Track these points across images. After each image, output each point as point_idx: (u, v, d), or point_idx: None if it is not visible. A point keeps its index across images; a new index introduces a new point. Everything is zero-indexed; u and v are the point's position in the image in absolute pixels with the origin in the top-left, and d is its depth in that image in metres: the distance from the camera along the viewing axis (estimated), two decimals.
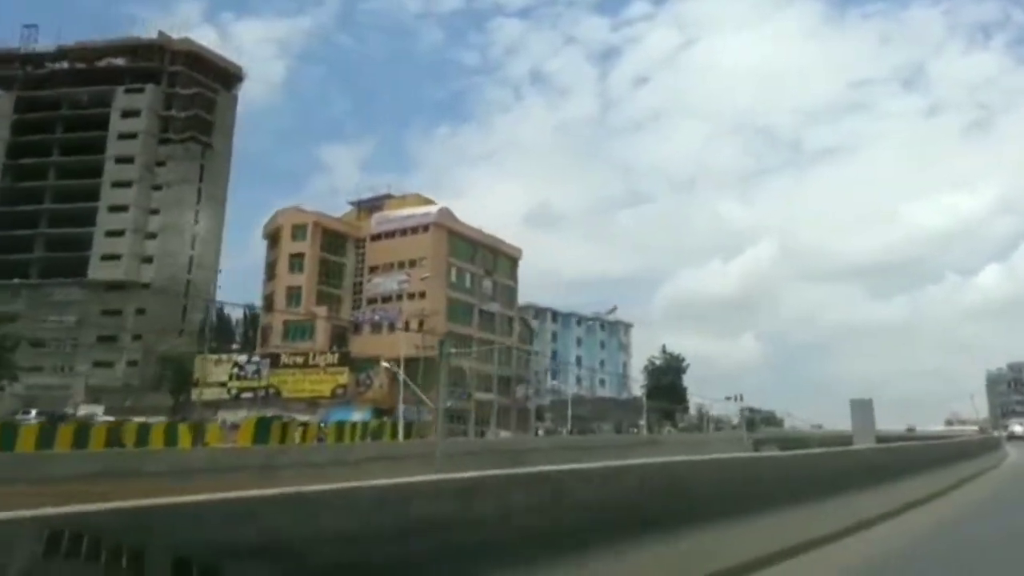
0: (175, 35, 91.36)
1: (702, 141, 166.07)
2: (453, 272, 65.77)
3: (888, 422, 68.10)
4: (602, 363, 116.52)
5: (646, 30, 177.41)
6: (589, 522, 3.89)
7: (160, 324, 74.11)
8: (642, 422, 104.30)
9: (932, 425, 78.60)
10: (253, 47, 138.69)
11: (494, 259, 71.04)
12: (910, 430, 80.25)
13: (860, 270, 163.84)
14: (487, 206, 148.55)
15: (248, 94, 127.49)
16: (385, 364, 52.74)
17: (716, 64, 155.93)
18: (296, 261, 62.89)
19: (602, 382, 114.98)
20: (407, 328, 59.75)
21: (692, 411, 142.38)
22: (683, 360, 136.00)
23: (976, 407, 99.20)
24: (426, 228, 63.58)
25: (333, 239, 65.13)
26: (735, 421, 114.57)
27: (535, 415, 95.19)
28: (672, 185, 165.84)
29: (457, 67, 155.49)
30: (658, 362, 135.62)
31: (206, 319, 72.91)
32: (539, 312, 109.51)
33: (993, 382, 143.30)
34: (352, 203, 69.90)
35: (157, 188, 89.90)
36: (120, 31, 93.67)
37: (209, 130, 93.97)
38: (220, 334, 73.45)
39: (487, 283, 69.15)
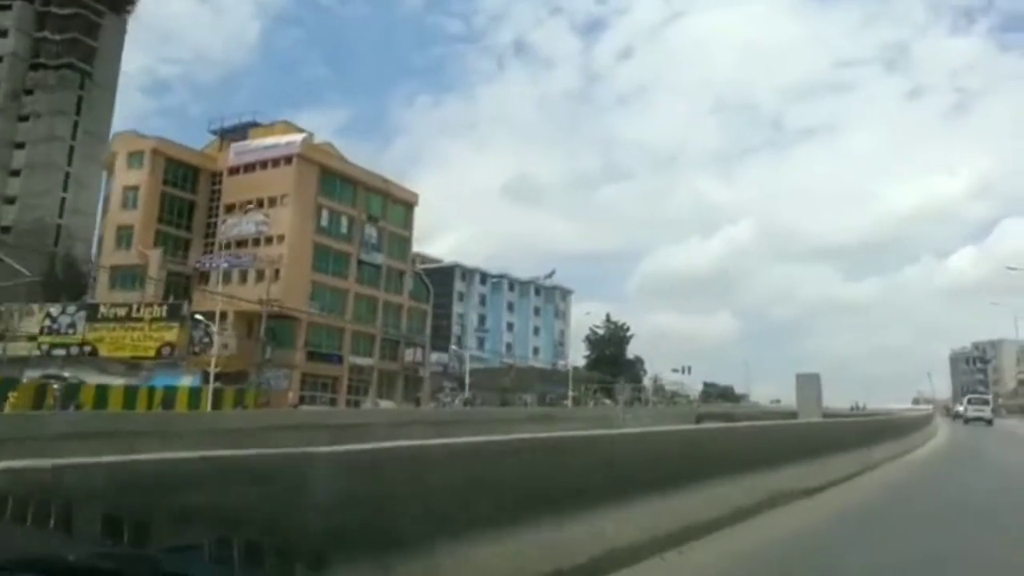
0: None
1: (684, 117, 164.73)
2: (324, 214, 56.12)
3: (855, 399, 72.09)
4: (536, 330, 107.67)
5: (632, 2, 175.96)
6: None
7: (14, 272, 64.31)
8: (571, 394, 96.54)
9: (897, 404, 75.34)
10: (231, 5, 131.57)
11: (383, 203, 61.47)
12: (855, 408, 77.96)
13: (838, 250, 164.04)
14: (468, 178, 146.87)
15: (226, 54, 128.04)
16: (212, 324, 43.53)
17: (701, 40, 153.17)
18: (131, 194, 53.11)
19: (536, 351, 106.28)
20: (262, 277, 50.43)
21: (648, 384, 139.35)
22: (627, 329, 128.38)
23: (933, 386, 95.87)
24: (289, 160, 53.76)
25: (181, 171, 55.17)
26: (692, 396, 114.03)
27: (462, 385, 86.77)
28: (654, 161, 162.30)
29: (440, 34, 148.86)
30: (600, 331, 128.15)
31: (52, 266, 63.07)
32: (467, 273, 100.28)
33: (956, 360, 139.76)
34: (213, 131, 59.58)
35: (24, 119, 79.52)
36: None
37: (90, 57, 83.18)
38: (70, 285, 63.23)
39: (371, 230, 59.66)
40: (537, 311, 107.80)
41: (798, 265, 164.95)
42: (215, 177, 56.58)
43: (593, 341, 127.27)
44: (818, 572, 5.06)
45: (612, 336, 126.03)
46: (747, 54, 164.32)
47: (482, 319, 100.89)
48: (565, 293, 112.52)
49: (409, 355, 63.76)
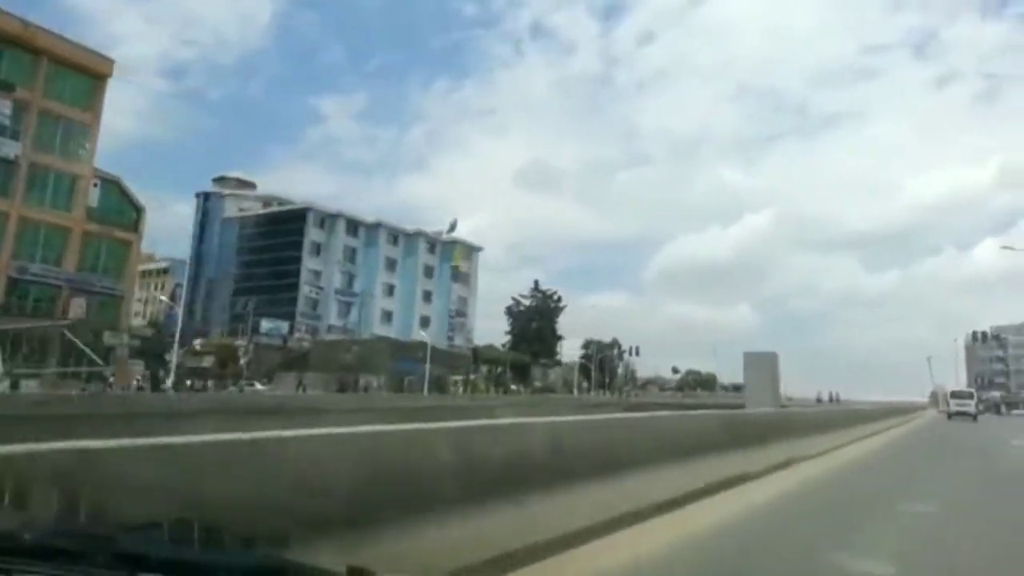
0: None
1: (707, 103, 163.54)
2: None
3: (873, 392, 72.74)
4: (427, 296, 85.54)
5: None
6: None
7: None
8: (459, 378, 74.96)
9: (912, 396, 74.17)
10: None
11: (30, 64, 38.86)
12: (833, 400, 78.08)
13: (860, 240, 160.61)
14: (486, 164, 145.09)
15: (243, 37, 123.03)
16: None
17: (724, 24, 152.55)
18: None
19: (425, 322, 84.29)
20: None
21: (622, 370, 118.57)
22: (558, 300, 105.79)
23: (933, 373, 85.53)
24: None
25: None
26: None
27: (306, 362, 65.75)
28: (674, 148, 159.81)
29: (457, 18, 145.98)
30: (526, 302, 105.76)
31: None
32: (327, 219, 78.28)
33: (972, 348, 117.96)
34: None
35: None
36: None
37: None
38: None
39: (5, 105, 37.68)
40: (429, 272, 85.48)
41: (820, 256, 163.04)
42: None
43: (516, 314, 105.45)
44: None
45: (539, 308, 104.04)
46: (771, 38, 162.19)
47: (350, 279, 78.86)
48: (470, 250, 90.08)
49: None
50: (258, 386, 61.80)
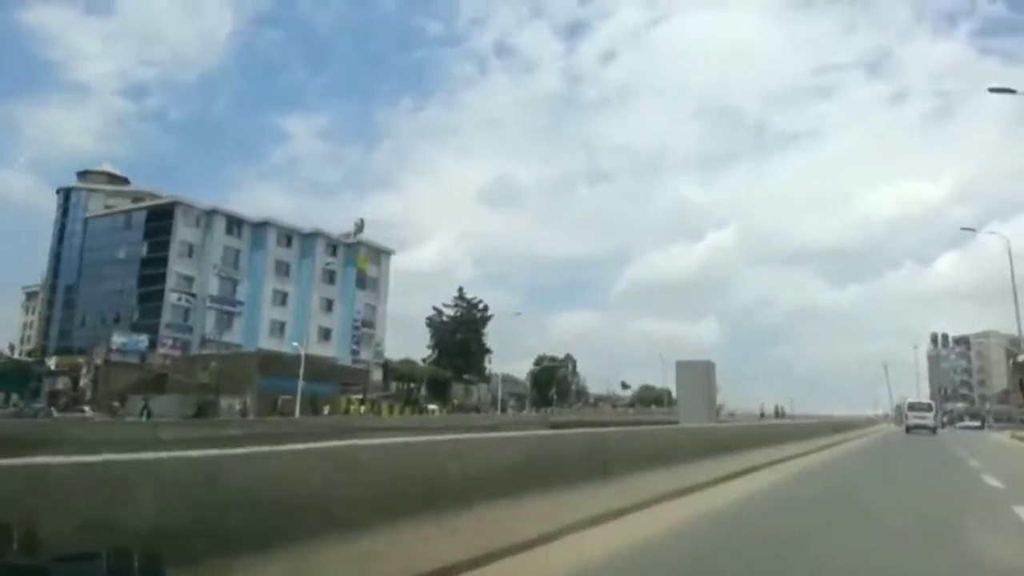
0: None
1: (667, 121, 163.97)
2: None
3: (834, 406, 70.05)
4: (328, 305, 75.47)
5: (615, 5, 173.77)
6: None
7: None
8: (357, 398, 65.17)
9: (871, 410, 75.41)
10: (209, 6, 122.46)
11: None
12: (779, 414, 75.53)
13: (822, 255, 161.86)
14: (451, 183, 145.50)
15: (205, 56, 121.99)
16: None
17: (684, 43, 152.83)
18: None
19: (325, 334, 74.16)
20: None
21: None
22: (484, 310, 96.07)
23: (889, 381, 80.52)
24: None
25: None
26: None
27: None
28: (636, 165, 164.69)
29: (421, 36, 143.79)
30: (451, 312, 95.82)
31: None
32: (204, 216, 68.04)
33: (935, 359, 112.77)
34: None
35: None
36: None
37: None
38: None
39: None
40: (331, 278, 75.46)
41: (782, 271, 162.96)
42: None
43: (438, 325, 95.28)
44: None
45: (464, 319, 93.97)
46: (730, 58, 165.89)
47: (232, 286, 68.54)
48: (378, 253, 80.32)
49: None
50: (87, 411, 51.40)
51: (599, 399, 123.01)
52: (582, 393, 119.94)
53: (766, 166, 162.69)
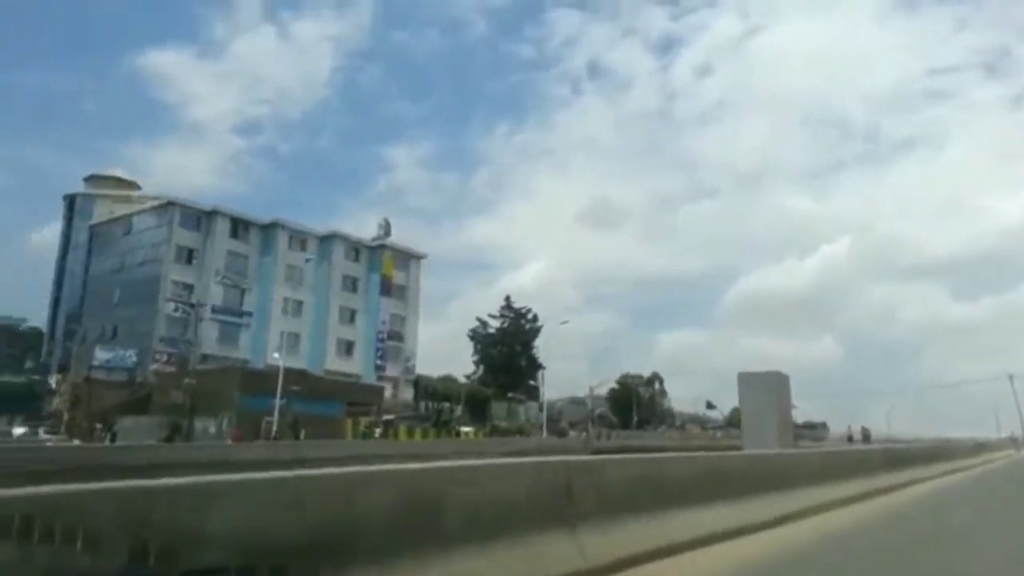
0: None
1: (771, 133, 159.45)
2: None
3: (960, 429, 67.27)
4: (351, 316, 67.89)
5: (708, 18, 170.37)
6: None
7: None
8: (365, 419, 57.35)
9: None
10: (311, 44, 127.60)
11: None
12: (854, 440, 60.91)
13: (946, 267, 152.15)
14: (549, 205, 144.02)
15: (309, 92, 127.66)
16: None
17: (783, 52, 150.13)
18: None
19: (346, 348, 66.54)
20: None
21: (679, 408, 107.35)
22: (534, 320, 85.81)
23: (1018, 399, 68.83)
24: None
25: None
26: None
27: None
28: (739, 180, 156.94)
29: (514, 61, 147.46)
30: (497, 323, 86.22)
31: None
32: (204, 217, 61.77)
33: None
34: None
35: None
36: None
37: None
38: None
39: None
40: (353, 285, 67.98)
41: (901, 284, 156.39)
42: None
43: (481, 338, 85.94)
44: None
45: (513, 330, 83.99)
46: (833, 65, 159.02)
47: (239, 294, 61.95)
48: (407, 258, 72.27)
49: None
50: (42, 434, 45.20)
51: (686, 421, 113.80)
52: (667, 415, 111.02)
53: (880, 174, 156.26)
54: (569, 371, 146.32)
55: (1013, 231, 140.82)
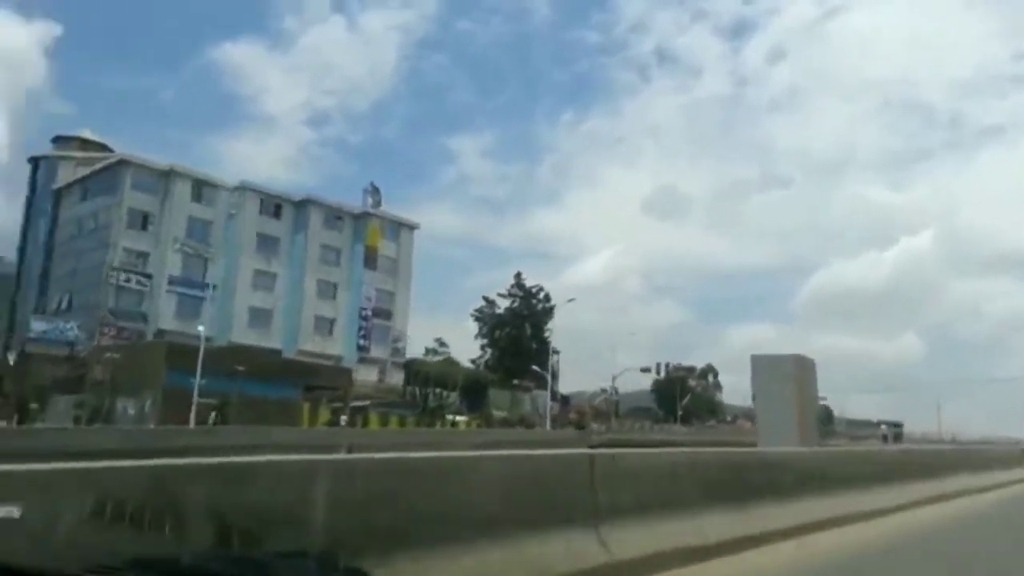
0: None
1: (847, 119, 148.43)
2: None
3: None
4: (332, 290, 61.24)
5: (782, 2, 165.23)
6: None
7: None
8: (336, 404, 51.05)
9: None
10: (379, 34, 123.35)
11: None
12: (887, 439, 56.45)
13: None
14: (617, 194, 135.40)
15: (376, 82, 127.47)
16: None
17: (861, 36, 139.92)
18: None
19: (328, 325, 59.97)
20: None
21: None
22: (546, 299, 77.48)
23: None
24: None
25: None
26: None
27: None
28: (814, 168, 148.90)
29: (580, 47, 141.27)
30: (506, 303, 78.09)
31: None
32: (162, 178, 55.71)
33: None
34: None
35: None
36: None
37: None
38: None
39: None
40: (335, 256, 61.27)
41: (989, 278, 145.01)
42: None
43: (487, 318, 78.54)
44: None
45: (519, 311, 75.43)
46: (914, 49, 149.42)
47: (202, 264, 55.95)
48: (397, 227, 65.06)
49: None
50: None
51: (737, 415, 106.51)
52: (717, 408, 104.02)
53: (966, 163, 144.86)
54: (634, 364, 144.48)
55: None
